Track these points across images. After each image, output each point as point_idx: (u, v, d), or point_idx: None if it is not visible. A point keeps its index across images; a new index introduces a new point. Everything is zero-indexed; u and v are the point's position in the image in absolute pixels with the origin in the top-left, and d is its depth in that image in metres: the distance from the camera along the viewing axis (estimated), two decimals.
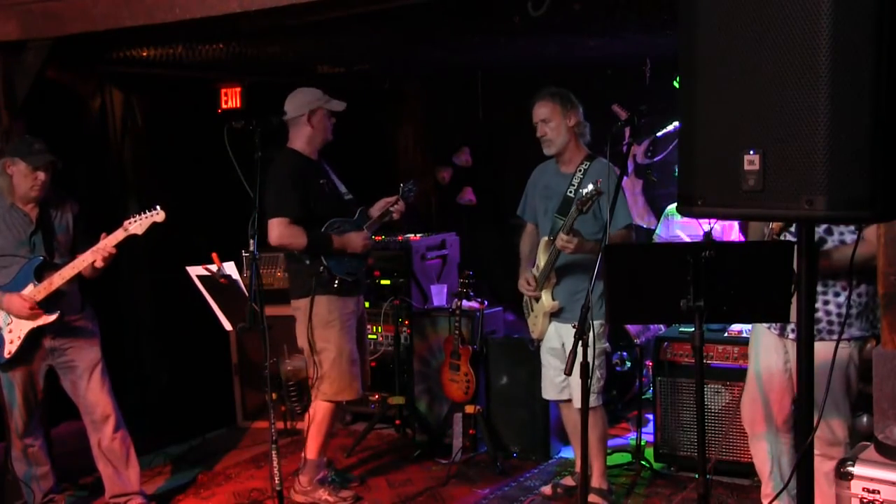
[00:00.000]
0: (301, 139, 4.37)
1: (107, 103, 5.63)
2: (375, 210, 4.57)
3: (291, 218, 4.17)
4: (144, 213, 3.98)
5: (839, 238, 3.29)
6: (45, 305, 4.03)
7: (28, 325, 4.04)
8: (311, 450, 4.41)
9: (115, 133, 5.69)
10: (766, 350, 3.52)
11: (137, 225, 3.97)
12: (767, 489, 3.60)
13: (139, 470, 4.37)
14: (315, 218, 4.28)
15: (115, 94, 5.64)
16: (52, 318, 4.05)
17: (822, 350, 3.19)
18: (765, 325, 3.50)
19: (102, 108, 5.62)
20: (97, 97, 5.59)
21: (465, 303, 5.02)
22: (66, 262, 4.06)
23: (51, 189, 4.12)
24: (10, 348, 4.05)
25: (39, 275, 4.04)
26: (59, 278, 4.01)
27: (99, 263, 3.98)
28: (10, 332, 4.05)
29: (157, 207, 3.99)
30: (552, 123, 4.15)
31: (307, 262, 4.29)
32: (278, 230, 4.14)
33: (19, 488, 4.41)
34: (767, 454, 3.55)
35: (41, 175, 4.03)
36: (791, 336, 3.39)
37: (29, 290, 4.02)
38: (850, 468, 2.72)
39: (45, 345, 4.13)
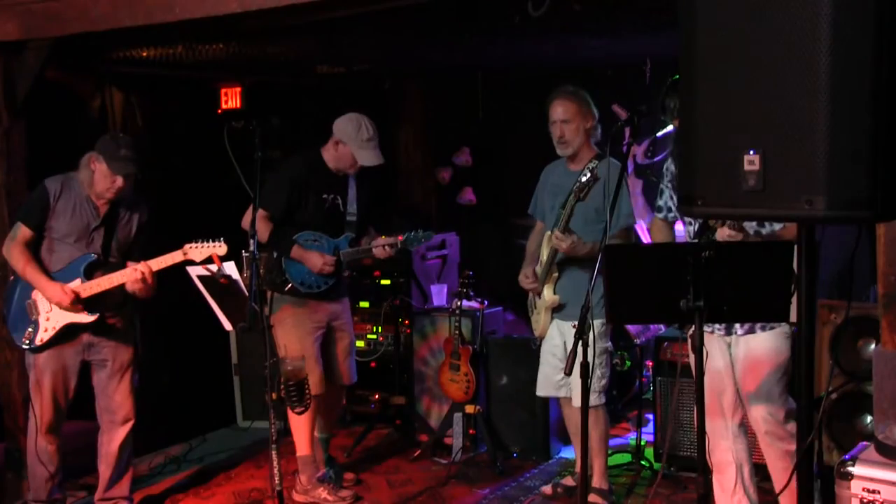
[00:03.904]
0: (328, 152, 4.47)
1: (107, 103, 5.62)
2: (369, 243, 4.51)
3: (266, 213, 4.27)
4: (207, 241, 3.95)
5: (770, 229, 3.36)
6: (88, 304, 4.02)
7: (66, 318, 4.02)
8: (300, 446, 4.47)
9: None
10: (710, 355, 3.49)
11: (197, 252, 3.93)
12: (732, 492, 3.57)
13: (132, 476, 4.37)
14: (295, 223, 4.38)
15: (115, 94, 5.64)
16: (91, 318, 4.04)
17: (767, 340, 3.26)
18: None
19: (102, 108, 5.61)
20: (97, 97, 5.58)
21: (465, 303, 5.02)
22: (119, 266, 4.06)
23: (128, 191, 4.09)
24: (44, 336, 4.02)
25: (90, 272, 4.02)
26: (107, 282, 4.00)
27: (138, 277, 3.94)
28: (48, 320, 4.03)
29: (221, 240, 3.95)
30: (572, 125, 4.12)
31: (274, 256, 4.40)
32: (249, 217, 4.14)
33: (20, 488, 4.41)
34: (731, 457, 3.55)
35: (119, 181, 4.00)
36: (739, 332, 3.42)
37: (75, 284, 4.00)
38: (850, 468, 2.72)
39: (84, 339, 4.12)
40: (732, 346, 3.46)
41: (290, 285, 4.40)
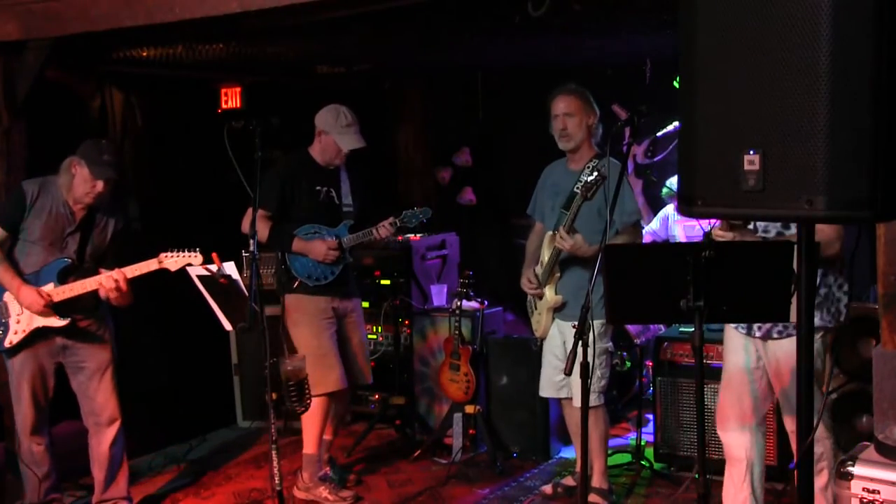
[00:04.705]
0: (314, 147, 4.52)
1: (107, 103, 5.62)
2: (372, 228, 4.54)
3: (265, 212, 4.30)
4: (183, 251, 3.93)
5: (794, 230, 3.30)
6: (60, 308, 4.02)
7: (37, 322, 4.02)
8: (308, 443, 4.47)
9: (115, 133, 5.68)
10: (735, 351, 3.50)
11: (172, 261, 3.92)
12: (740, 487, 3.58)
13: (128, 474, 4.37)
14: (293, 219, 4.42)
15: (115, 94, 5.64)
16: (62, 323, 4.04)
17: (790, 345, 3.27)
18: (732, 324, 3.48)
19: (102, 108, 5.61)
20: (97, 97, 5.58)
21: (465, 303, 5.02)
22: (93, 271, 4.05)
23: (107, 196, 4.09)
24: (13, 338, 4.02)
25: (63, 277, 4.03)
26: (80, 287, 4.00)
27: (112, 285, 3.92)
28: (18, 322, 4.03)
29: (197, 250, 3.93)
30: (575, 119, 4.15)
31: (279, 257, 4.45)
32: (249, 219, 4.15)
33: (20, 488, 4.41)
34: (744, 454, 3.53)
35: (99, 185, 3.99)
36: (757, 334, 3.40)
37: (48, 288, 4.00)
38: (850, 468, 2.72)
39: (57, 342, 4.12)
40: (760, 349, 3.45)
41: (297, 281, 4.41)
